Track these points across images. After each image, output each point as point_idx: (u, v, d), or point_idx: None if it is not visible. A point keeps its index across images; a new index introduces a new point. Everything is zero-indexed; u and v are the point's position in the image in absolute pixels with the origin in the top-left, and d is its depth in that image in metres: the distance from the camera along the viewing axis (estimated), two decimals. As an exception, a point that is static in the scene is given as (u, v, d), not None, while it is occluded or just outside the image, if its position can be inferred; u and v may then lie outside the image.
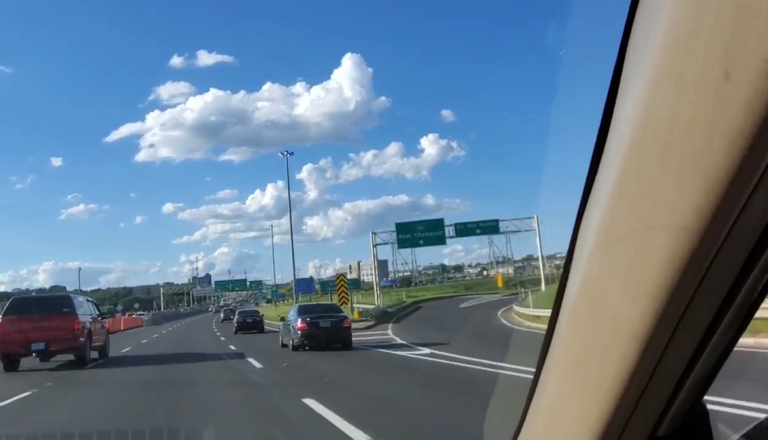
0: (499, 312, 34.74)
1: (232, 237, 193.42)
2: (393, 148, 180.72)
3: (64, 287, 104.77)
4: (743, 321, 0.73)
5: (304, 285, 59.62)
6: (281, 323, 22.76)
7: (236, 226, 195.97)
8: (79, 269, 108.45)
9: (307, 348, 17.65)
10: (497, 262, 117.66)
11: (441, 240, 45.53)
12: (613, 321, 0.74)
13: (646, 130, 0.63)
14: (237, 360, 16.01)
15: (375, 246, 48.31)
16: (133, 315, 65.09)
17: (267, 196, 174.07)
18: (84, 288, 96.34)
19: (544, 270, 51.67)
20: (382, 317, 36.83)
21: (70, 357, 15.67)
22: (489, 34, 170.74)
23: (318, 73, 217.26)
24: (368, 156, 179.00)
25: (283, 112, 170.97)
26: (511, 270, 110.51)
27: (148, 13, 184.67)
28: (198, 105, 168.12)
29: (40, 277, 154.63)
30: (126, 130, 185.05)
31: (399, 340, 21.03)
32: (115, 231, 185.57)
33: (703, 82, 0.55)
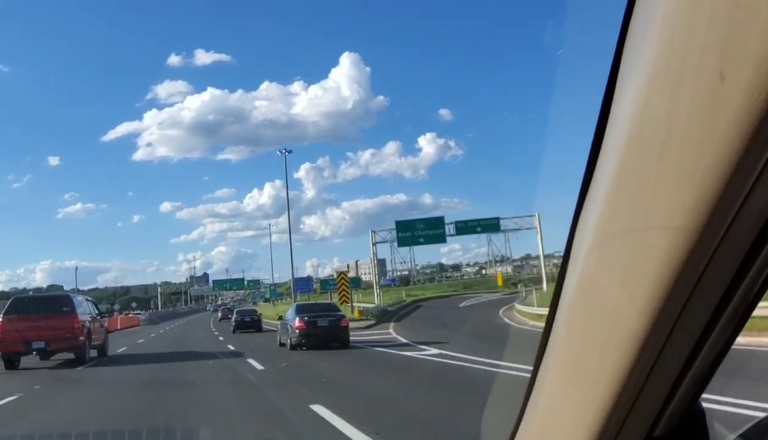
0: (501, 311, 34.42)
1: (230, 237, 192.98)
2: (391, 147, 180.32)
3: (61, 286, 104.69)
4: (740, 320, 0.73)
5: (303, 284, 59.59)
6: (279, 322, 22.76)
7: (234, 225, 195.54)
8: (76, 268, 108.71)
9: (304, 347, 17.67)
10: (496, 261, 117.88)
11: (441, 239, 45.15)
12: (610, 319, 0.74)
13: (643, 129, 0.63)
14: (236, 361, 15.76)
15: (374, 244, 47.98)
16: (130, 315, 64.59)
17: (265, 195, 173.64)
18: (81, 288, 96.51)
19: (547, 268, 51.52)
20: (382, 316, 36.27)
21: (70, 355, 15.80)
22: (487, 34, 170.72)
23: (316, 72, 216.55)
24: (366, 155, 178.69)
25: (280, 111, 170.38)
26: (509, 269, 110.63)
27: (145, 12, 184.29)
28: (195, 104, 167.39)
29: (37, 276, 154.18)
30: (123, 128, 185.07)
31: (403, 339, 20.71)
32: (112, 231, 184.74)
33: (699, 82, 0.55)
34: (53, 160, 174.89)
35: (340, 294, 36.83)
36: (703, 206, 0.58)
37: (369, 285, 63.70)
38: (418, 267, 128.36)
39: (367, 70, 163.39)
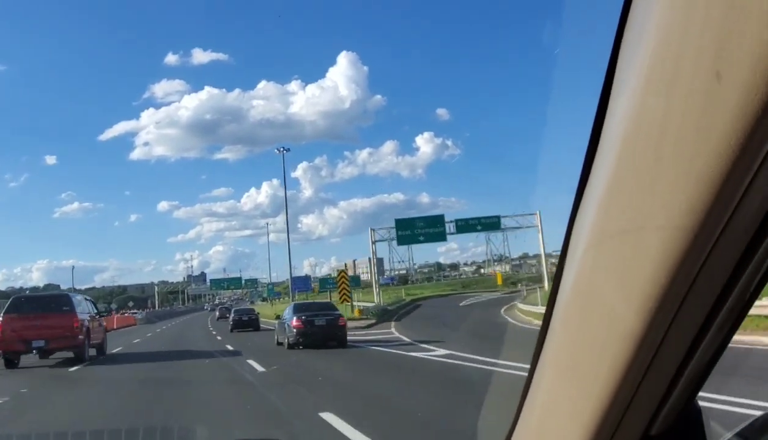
0: (503, 311, 34.03)
1: (227, 236, 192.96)
2: (388, 146, 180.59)
3: (58, 285, 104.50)
4: (736, 319, 0.73)
5: (301, 283, 59.38)
6: (276, 321, 22.76)
7: (231, 225, 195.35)
8: (73, 267, 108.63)
9: (302, 346, 17.67)
10: (494, 261, 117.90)
11: (441, 237, 44.53)
12: (607, 319, 0.74)
13: (639, 128, 0.63)
14: (236, 362, 15.28)
15: (374, 242, 47.46)
16: (126, 314, 64.04)
17: (262, 194, 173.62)
18: (78, 287, 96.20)
19: (547, 267, 51.28)
20: (383, 315, 35.82)
21: (69, 354, 15.96)
22: (485, 34, 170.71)
23: (313, 72, 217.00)
24: (363, 154, 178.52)
25: (278, 111, 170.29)
26: (507, 269, 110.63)
27: (142, 11, 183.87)
28: (193, 103, 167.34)
29: (34, 276, 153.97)
30: (120, 128, 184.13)
31: (407, 339, 20.23)
32: (109, 230, 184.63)
33: (695, 82, 0.55)
34: (50, 159, 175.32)
35: (340, 292, 35.80)
36: (700, 206, 0.58)
37: (367, 284, 63.53)
38: (416, 267, 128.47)
39: (364, 70, 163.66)
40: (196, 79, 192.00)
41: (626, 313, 0.70)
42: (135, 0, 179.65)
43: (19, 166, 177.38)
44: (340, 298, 34.48)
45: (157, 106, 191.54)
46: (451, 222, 45.33)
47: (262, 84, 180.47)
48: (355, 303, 39.31)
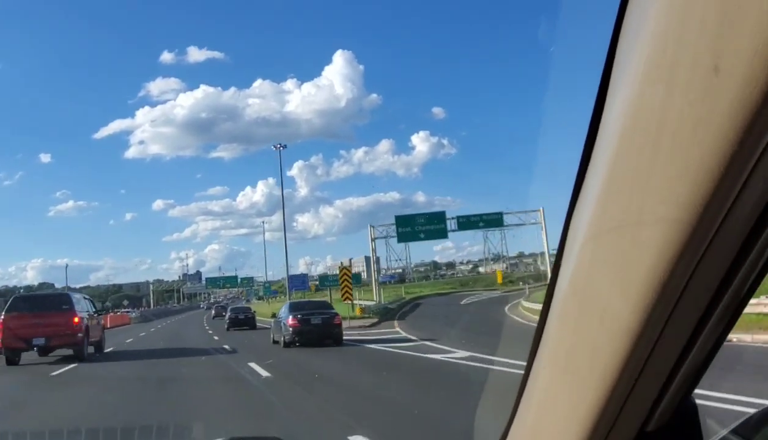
0: (506, 309, 33.26)
1: (223, 235, 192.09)
2: (384, 145, 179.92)
3: (53, 284, 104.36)
4: (733, 316, 0.73)
5: (298, 281, 59.09)
6: (272, 320, 22.77)
7: (227, 223, 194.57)
8: (66, 266, 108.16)
9: (298, 344, 17.70)
10: (492, 259, 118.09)
11: (442, 234, 43.68)
12: (603, 315, 0.74)
13: (637, 122, 0.63)
14: (237, 365, 14.41)
15: (373, 239, 46.89)
16: (119, 313, 63.46)
17: (258, 193, 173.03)
18: (73, 286, 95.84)
19: (550, 264, 50.90)
20: (384, 314, 35.01)
21: (69, 352, 16.31)
22: (481, 32, 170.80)
23: (309, 70, 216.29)
24: (359, 153, 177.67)
25: (274, 109, 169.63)
26: (504, 267, 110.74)
27: (138, 9, 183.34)
28: (188, 101, 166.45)
29: (28, 274, 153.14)
30: (115, 126, 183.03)
31: (417, 339, 19.01)
32: (104, 228, 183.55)
33: (693, 76, 0.55)
34: (45, 158, 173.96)
35: (342, 290, 33.18)
36: (698, 199, 0.58)
37: (364, 283, 63.37)
38: (412, 266, 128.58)
39: (360, 68, 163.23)
40: (192, 77, 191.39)
41: (623, 309, 0.69)
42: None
43: (14, 164, 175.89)
44: (342, 296, 32.54)
45: (153, 105, 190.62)
46: (453, 219, 44.45)
47: (258, 82, 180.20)
48: (355, 302, 37.87)
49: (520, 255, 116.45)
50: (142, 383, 11.51)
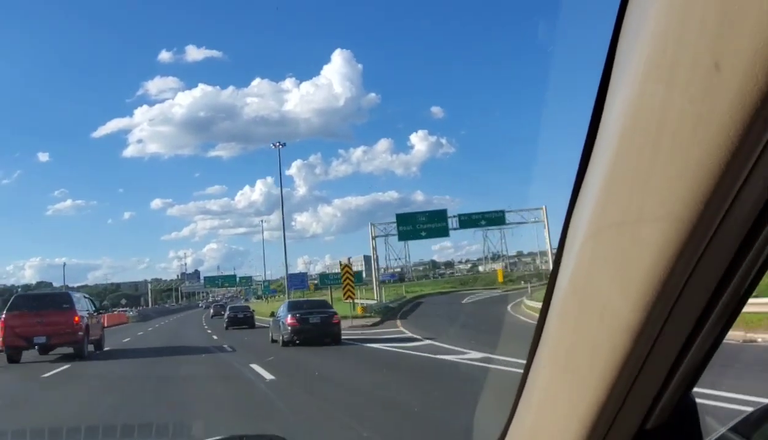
0: (509, 307, 32.54)
1: (221, 234, 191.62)
2: (383, 144, 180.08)
3: (51, 283, 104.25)
4: (732, 314, 0.73)
5: (297, 280, 58.88)
6: (271, 319, 22.78)
7: (225, 222, 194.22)
8: (64, 264, 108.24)
9: (297, 342, 17.71)
10: (491, 258, 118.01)
11: (443, 232, 43.15)
12: (603, 312, 0.74)
13: (637, 120, 0.63)
14: (237, 364, 14.05)
15: (374, 238, 46.54)
16: (116, 312, 62.88)
17: (256, 192, 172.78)
18: (71, 285, 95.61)
19: (552, 263, 50.36)
20: (386, 313, 34.54)
21: (69, 350, 16.50)
22: (479, 32, 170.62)
23: (308, 69, 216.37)
24: (358, 152, 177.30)
25: (272, 108, 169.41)
26: (502, 266, 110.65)
27: (136, 8, 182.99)
28: (187, 100, 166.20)
29: (26, 273, 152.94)
30: (114, 125, 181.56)
31: (423, 339, 18.36)
32: (103, 227, 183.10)
33: (693, 73, 0.55)
34: (43, 156, 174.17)
35: (344, 288, 31.68)
36: (698, 197, 0.58)
37: (364, 282, 63.09)
38: (410, 265, 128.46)
39: (359, 67, 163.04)
40: (190, 76, 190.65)
41: (623, 307, 0.70)
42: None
43: (12, 163, 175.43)
44: (344, 294, 31.27)
45: (151, 104, 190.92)
46: (454, 217, 44.00)
47: (257, 81, 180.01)
48: (356, 301, 36.48)
49: (519, 255, 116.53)
50: (140, 381, 11.51)
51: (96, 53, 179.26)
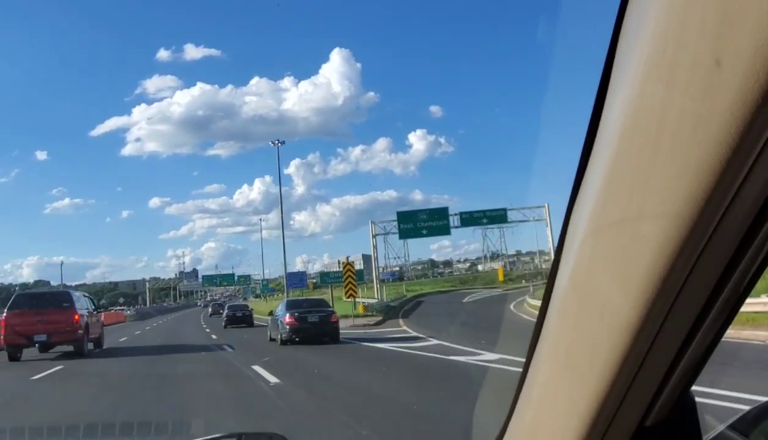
0: (512, 306, 31.88)
1: (220, 232, 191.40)
2: (381, 143, 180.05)
3: (48, 282, 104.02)
4: (731, 312, 0.74)
5: (296, 279, 58.72)
6: (270, 317, 22.78)
7: (223, 221, 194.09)
8: (62, 263, 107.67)
9: (296, 341, 17.72)
10: (490, 258, 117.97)
11: (445, 230, 42.64)
12: (603, 311, 0.75)
13: (638, 117, 0.63)
14: (237, 363, 14.14)
15: (374, 236, 46.37)
16: (113, 310, 62.42)
17: (255, 190, 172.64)
18: (69, 283, 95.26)
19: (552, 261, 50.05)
20: (387, 312, 34.41)
21: (69, 348, 16.70)
22: (479, 30, 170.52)
23: (306, 68, 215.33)
24: (356, 151, 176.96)
25: (271, 107, 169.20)
26: (501, 265, 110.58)
27: (134, 6, 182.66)
28: (185, 99, 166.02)
29: (24, 272, 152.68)
30: (112, 123, 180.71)
31: (430, 339, 17.60)
32: (101, 226, 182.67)
33: (695, 70, 0.55)
34: (41, 155, 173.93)
35: (346, 287, 30.65)
36: (699, 194, 0.58)
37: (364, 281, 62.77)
38: (409, 263, 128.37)
39: (357, 66, 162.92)
40: (189, 74, 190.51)
41: (623, 304, 0.70)
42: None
43: (10, 161, 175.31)
44: (346, 293, 30.53)
45: (149, 102, 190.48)
46: (455, 214, 43.71)
47: (255, 80, 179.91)
48: (357, 300, 35.39)
49: (518, 254, 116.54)
50: (139, 380, 11.51)
51: (94, 52, 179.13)
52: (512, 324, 21.98)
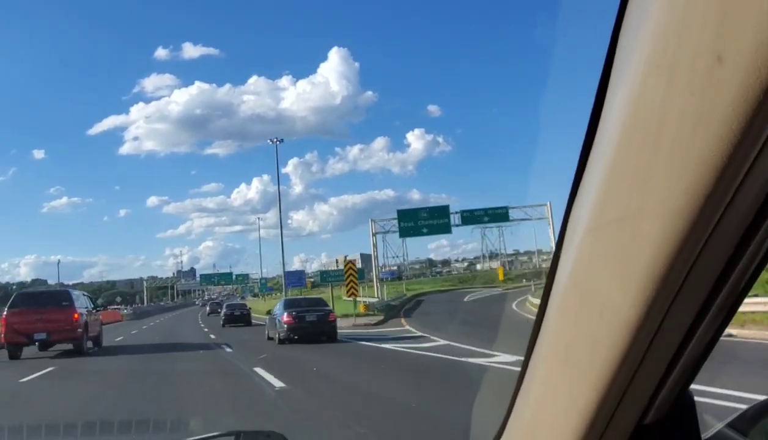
0: (514, 305, 31.34)
1: (218, 231, 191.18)
2: (379, 142, 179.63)
3: (46, 281, 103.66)
4: (730, 310, 0.74)
5: (295, 278, 58.52)
6: (268, 317, 22.78)
7: (221, 220, 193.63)
8: (59, 262, 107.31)
9: (295, 339, 17.73)
10: (489, 257, 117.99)
11: (446, 229, 42.12)
12: (603, 308, 0.75)
13: (639, 113, 0.64)
14: (236, 362, 14.11)
15: (374, 234, 46.11)
16: (109, 309, 61.89)
17: (252, 190, 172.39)
18: (66, 282, 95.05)
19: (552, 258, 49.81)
20: (389, 311, 34.19)
21: (68, 346, 16.87)
22: (477, 30, 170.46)
23: (304, 67, 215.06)
24: (354, 150, 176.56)
25: (269, 106, 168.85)
26: (500, 264, 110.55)
27: (132, 5, 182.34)
28: (183, 98, 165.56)
29: (21, 271, 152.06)
30: (110, 122, 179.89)
31: (437, 339, 17.01)
32: (98, 225, 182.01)
33: (696, 66, 0.55)
34: (38, 154, 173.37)
35: (348, 285, 30.01)
36: (700, 190, 0.58)
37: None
38: (408, 262, 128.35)
39: (355, 66, 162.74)
40: (187, 73, 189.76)
41: (623, 302, 0.70)
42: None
43: (7, 160, 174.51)
44: (348, 291, 29.86)
45: (147, 101, 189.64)
46: (456, 213, 43.27)
47: (253, 79, 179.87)
48: (358, 299, 34.65)
49: (516, 253, 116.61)
50: (138, 378, 11.51)
51: (92, 50, 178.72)
52: (519, 323, 20.52)
